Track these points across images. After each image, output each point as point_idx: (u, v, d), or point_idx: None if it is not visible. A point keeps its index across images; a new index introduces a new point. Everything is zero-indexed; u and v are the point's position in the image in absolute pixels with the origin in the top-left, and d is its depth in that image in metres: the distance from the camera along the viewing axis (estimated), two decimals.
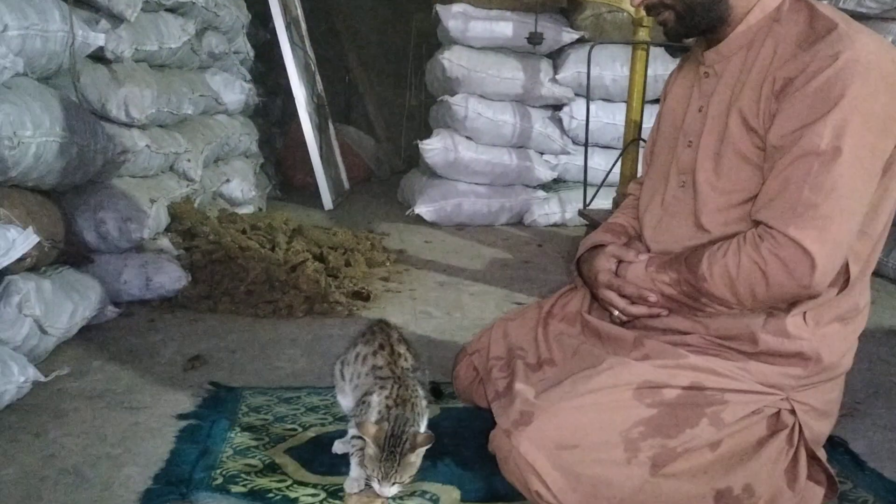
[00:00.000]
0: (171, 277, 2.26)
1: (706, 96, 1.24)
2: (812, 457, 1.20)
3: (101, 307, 2.01)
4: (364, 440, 1.18)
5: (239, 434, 1.44)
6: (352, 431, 1.27)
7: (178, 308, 2.23)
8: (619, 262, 1.30)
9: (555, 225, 3.76)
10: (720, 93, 1.21)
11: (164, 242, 2.41)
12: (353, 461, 1.24)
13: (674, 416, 1.12)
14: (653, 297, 1.23)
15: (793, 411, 1.18)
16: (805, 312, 1.16)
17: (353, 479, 1.23)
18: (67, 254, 1.97)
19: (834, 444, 1.43)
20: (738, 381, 1.16)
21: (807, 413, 1.19)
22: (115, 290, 2.19)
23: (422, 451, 1.18)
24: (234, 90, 3.55)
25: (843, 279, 1.16)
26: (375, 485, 1.17)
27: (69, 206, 2.16)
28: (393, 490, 1.17)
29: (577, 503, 1.09)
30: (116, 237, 2.22)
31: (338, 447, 1.37)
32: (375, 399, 1.22)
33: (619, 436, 1.11)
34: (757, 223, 1.14)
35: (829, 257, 1.08)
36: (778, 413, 1.17)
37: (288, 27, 3.98)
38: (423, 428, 1.25)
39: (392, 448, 1.15)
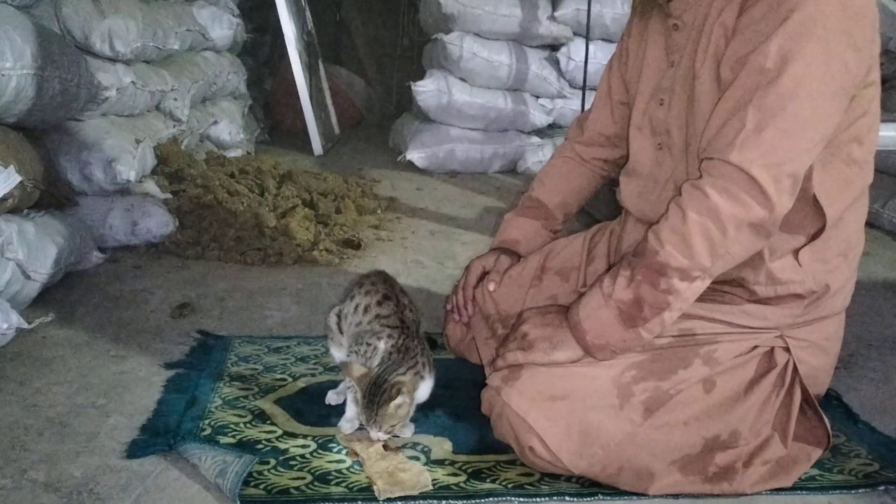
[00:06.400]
0: (157, 222, 2.21)
1: (677, 50, 1.15)
2: (807, 401, 1.18)
3: (86, 252, 1.97)
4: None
5: (228, 384, 1.42)
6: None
7: (164, 254, 2.19)
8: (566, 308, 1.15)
9: None
10: (690, 44, 1.12)
11: (151, 186, 2.35)
12: (349, 399, 1.24)
13: (666, 359, 1.11)
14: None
15: (787, 349, 1.15)
16: (797, 252, 1.11)
17: (347, 420, 1.23)
18: (51, 196, 1.91)
19: (828, 396, 1.42)
20: (731, 324, 1.14)
21: (804, 349, 1.16)
22: (101, 234, 2.14)
23: (401, 402, 1.14)
24: (222, 25, 3.42)
25: (819, 219, 1.10)
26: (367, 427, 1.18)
27: (52, 146, 2.09)
28: (382, 436, 1.16)
29: (570, 453, 1.08)
30: (101, 179, 2.16)
31: (331, 398, 1.35)
32: (382, 346, 1.21)
33: (611, 381, 1.09)
34: (703, 162, 1.05)
35: (776, 179, 0.99)
36: (771, 351, 1.15)
37: None
38: (429, 383, 1.25)
39: (371, 396, 1.14)
